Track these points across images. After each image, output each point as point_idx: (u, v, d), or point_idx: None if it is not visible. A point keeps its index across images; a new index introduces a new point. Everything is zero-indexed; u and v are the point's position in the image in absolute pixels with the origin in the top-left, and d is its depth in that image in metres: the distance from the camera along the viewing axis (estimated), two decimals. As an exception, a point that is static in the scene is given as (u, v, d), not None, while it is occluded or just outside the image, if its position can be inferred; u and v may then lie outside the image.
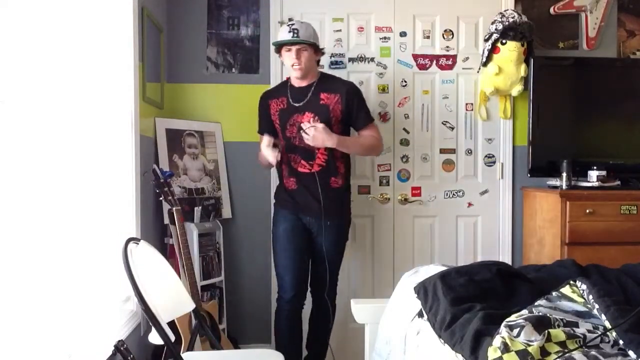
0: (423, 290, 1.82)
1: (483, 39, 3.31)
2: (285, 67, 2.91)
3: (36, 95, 1.73)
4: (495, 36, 3.18)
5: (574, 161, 3.10)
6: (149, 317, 1.74)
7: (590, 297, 1.51)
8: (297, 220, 2.76)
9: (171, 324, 2.14)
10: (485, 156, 3.44)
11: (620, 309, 1.39)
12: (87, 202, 2.11)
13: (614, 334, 1.34)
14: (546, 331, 1.30)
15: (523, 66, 3.24)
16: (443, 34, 3.38)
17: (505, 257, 3.40)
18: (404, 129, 3.38)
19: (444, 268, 1.98)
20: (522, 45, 3.19)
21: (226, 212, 3.24)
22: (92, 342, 1.92)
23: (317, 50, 2.73)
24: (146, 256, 1.93)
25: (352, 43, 3.35)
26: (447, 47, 3.39)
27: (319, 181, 2.69)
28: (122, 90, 2.41)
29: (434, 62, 3.39)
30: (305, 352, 2.93)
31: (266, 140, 2.69)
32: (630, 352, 1.27)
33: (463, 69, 3.40)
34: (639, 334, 1.31)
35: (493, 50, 3.22)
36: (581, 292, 1.57)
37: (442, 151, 3.41)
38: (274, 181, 3.14)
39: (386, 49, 3.36)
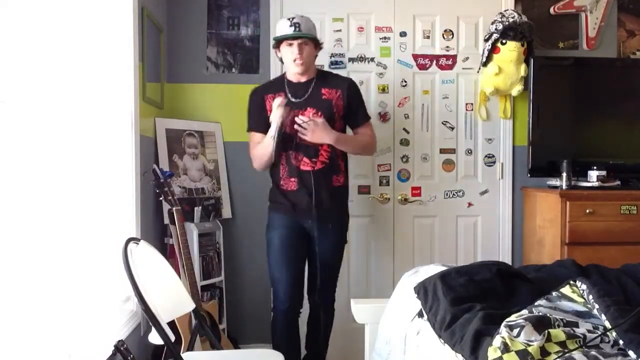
0: (423, 290, 1.82)
1: (483, 39, 3.31)
2: (285, 64, 2.77)
3: (36, 95, 1.73)
4: (495, 36, 3.18)
5: (574, 161, 3.10)
6: (149, 317, 1.73)
7: (590, 297, 1.51)
8: (294, 225, 2.65)
9: (171, 324, 2.13)
10: (485, 156, 3.44)
11: (620, 309, 1.39)
12: (87, 202, 2.11)
13: (614, 334, 1.34)
14: (546, 331, 1.30)
15: (523, 66, 3.24)
16: (443, 34, 3.38)
17: (505, 257, 3.40)
18: (404, 129, 3.38)
19: (444, 268, 1.98)
20: (522, 45, 3.20)
21: (226, 212, 3.24)
22: (92, 342, 1.92)
23: (317, 45, 2.67)
24: (146, 256, 1.93)
25: (352, 43, 3.35)
26: (447, 47, 3.39)
27: (323, 179, 2.62)
28: (122, 90, 2.41)
29: (434, 62, 3.39)
30: (304, 352, 2.92)
31: (279, 99, 2.54)
32: (630, 352, 1.27)
33: (463, 69, 3.40)
34: (639, 334, 1.31)
35: (493, 50, 3.22)
36: (581, 292, 1.57)
37: (442, 151, 3.41)
38: (274, 181, 3.13)
39: (386, 49, 3.36)
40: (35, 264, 1.70)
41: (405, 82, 3.37)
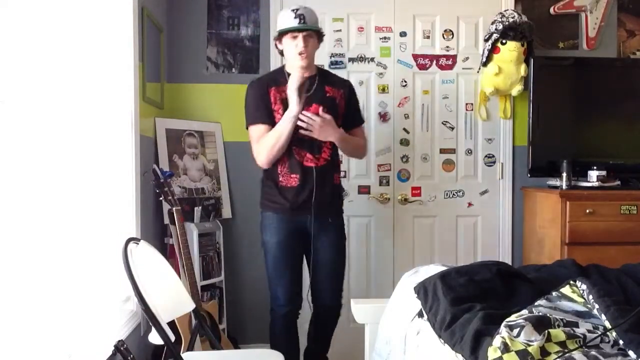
0: (423, 290, 1.82)
1: (483, 39, 3.31)
2: (286, 57, 2.62)
3: (36, 95, 1.73)
4: (495, 36, 3.18)
5: (574, 161, 3.10)
6: (149, 317, 1.73)
7: (590, 297, 1.51)
8: (291, 224, 2.58)
9: (171, 324, 2.13)
10: (485, 156, 3.44)
11: (620, 309, 1.39)
12: (87, 202, 2.11)
13: (614, 334, 1.34)
14: (546, 331, 1.30)
15: (523, 66, 3.24)
16: (443, 34, 3.38)
17: (505, 257, 3.40)
18: (404, 129, 3.38)
19: (444, 268, 1.98)
20: (522, 45, 3.20)
21: (226, 212, 3.24)
22: (92, 342, 1.92)
23: (320, 38, 2.59)
24: (146, 256, 1.93)
25: (352, 43, 3.35)
26: (447, 47, 3.39)
27: (325, 176, 2.58)
28: (122, 90, 2.41)
29: (434, 62, 3.39)
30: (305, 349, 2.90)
31: (300, 79, 2.44)
32: (630, 352, 1.27)
33: (463, 69, 3.40)
34: (639, 334, 1.31)
35: (493, 50, 3.22)
36: (581, 292, 1.57)
37: (442, 151, 3.41)
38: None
39: (386, 49, 3.36)
40: (36, 264, 1.70)
41: (405, 82, 3.37)
